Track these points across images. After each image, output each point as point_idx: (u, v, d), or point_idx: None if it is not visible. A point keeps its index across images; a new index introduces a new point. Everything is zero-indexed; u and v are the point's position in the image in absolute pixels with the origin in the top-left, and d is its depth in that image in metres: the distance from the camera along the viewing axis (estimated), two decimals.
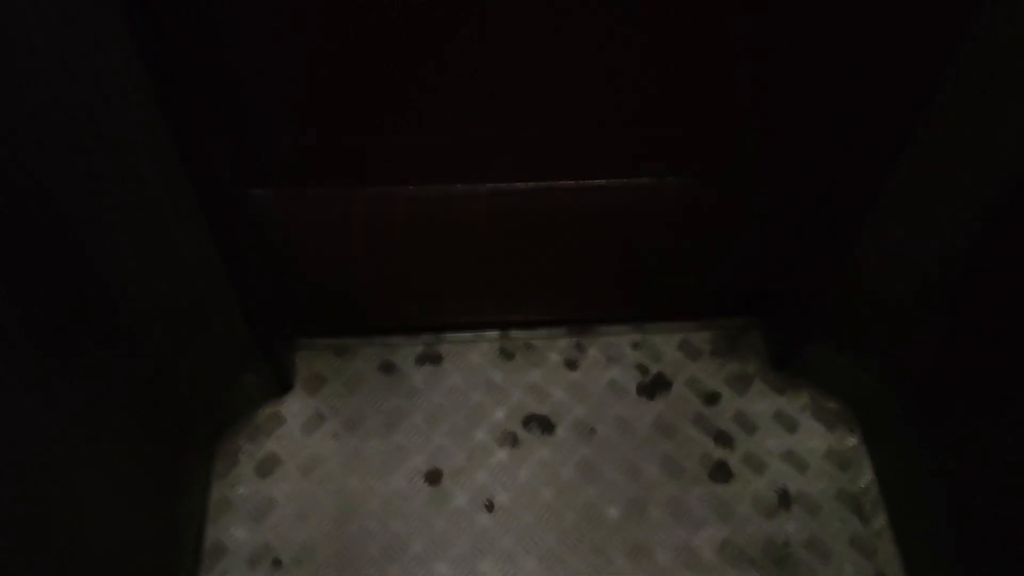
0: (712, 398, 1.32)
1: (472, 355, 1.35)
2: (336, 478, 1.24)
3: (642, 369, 1.34)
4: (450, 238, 1.18)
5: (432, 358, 1.35)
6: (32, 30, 0.70)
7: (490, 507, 1.22)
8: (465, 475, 1.25)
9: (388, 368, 1.34)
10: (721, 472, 1.25)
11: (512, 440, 1.28)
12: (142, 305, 0.97)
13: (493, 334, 1.37)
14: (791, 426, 1.30)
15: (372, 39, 0.90)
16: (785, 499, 1.23)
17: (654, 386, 1.33)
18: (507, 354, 1.35)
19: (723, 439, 1.28)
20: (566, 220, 1.17)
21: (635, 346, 1.36)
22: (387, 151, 1.04)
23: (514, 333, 1.37)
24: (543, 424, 1.29)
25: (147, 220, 0.94)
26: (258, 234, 1.13)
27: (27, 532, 0.74)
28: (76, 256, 0.84)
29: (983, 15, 0.80)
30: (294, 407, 1.30)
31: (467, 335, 1.37)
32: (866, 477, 1.25)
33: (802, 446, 1.28)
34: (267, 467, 1.25)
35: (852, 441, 1.28)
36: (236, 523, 1.20)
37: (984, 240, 0.98)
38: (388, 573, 1.17)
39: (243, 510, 1.21)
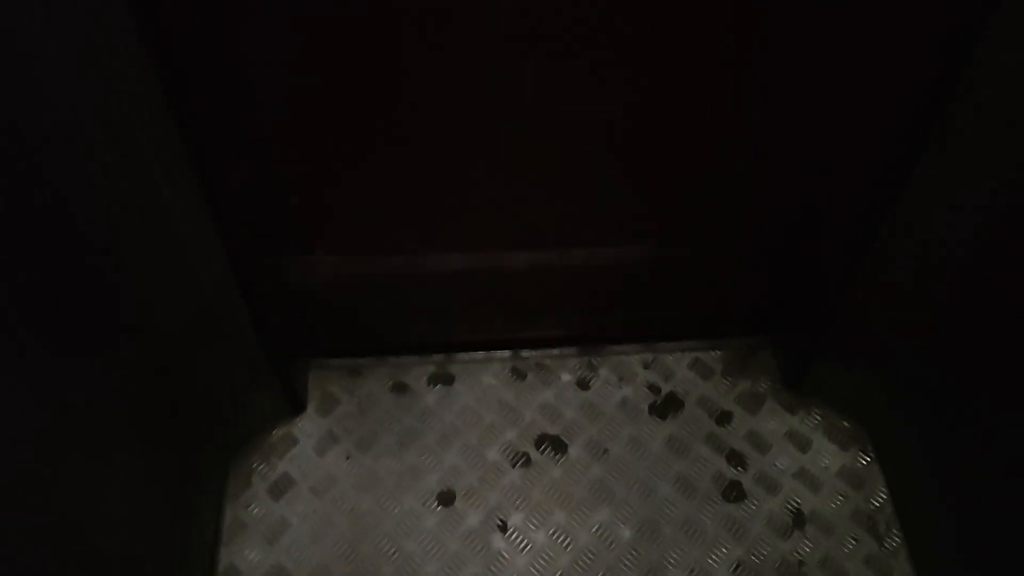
0: (724, 417, 1.32)
1: (484, 375, 1.36)
2: (349, 499, 1.24)
3: (654, 388, 1.34)
4: (458, 254, 1.19)
5: (444, 378, 1.35)
6: (41, 32, 0.70)
7: (503, 527, 1.22)
8: (478, 495, 1.25)
9: (400, 388, 1.34)
10: (734, 491, 1.25)
11: (525, 460, 1.28)
12: (151, 321, 0.97)
13: (505, 354, 1.38)
14: (803, 445, 1.29)
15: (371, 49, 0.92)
16: (799, 518, 1.23)
17: (666, 405, 1.33)
18: (519, 374, 1.36)
19: (736, 458, 1.28)
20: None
21: (646, 365, 1.37)
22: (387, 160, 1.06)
23: (525, 353, 1.38)
24: (556, 444, 1.29)
25: (158, 234, 0.94)
26: (272, 250, 1.13)
27: (36, 551, 0.74)
28: (83, 265, 0.83)
29: (998, 13, 0.81)
30: (307, 428, 1.30)
31: (479, 355, 1.37)
32: (880, 495, 1.25)
33: (815, 465, 1.28)
34: (280, 488, 1.25)
35: (865, 459, 1.28)
36: (249, 545, 1.20)
37: (989, 260, 0.99)
38: None
39: (256, 531, 1.21)
